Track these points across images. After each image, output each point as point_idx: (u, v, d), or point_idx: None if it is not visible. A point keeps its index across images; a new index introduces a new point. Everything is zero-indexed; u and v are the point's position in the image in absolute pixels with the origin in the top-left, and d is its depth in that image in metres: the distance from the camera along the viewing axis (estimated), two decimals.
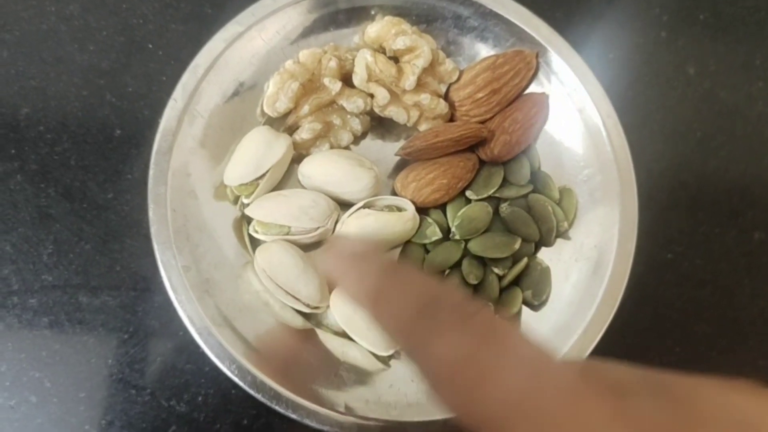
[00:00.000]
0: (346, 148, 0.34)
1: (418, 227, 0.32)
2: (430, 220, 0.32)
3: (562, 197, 0.33)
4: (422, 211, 0.32)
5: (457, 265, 0.32)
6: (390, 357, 0.30)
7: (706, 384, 0.15)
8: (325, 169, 0.31)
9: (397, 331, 0.19)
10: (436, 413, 0.27)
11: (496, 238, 0.32)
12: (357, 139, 0.34)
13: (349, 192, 0.31)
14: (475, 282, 0.31)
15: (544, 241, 0.33)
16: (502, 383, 0.16)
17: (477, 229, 0.32)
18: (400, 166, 0.34)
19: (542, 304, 0.32)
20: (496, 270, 0.32)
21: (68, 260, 0.31)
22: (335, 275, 0.22)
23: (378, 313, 0.20)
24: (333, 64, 0.32)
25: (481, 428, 0.16)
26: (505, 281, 0.32)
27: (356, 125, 0.33)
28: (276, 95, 0.32)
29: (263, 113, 0.32)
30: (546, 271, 0.32)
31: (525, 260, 0.32)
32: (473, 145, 0.33)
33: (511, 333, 0.17)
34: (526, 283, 0.32)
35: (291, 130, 0.33)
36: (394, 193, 0.33)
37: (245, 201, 0.31)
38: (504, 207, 0.32)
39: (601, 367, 0.16)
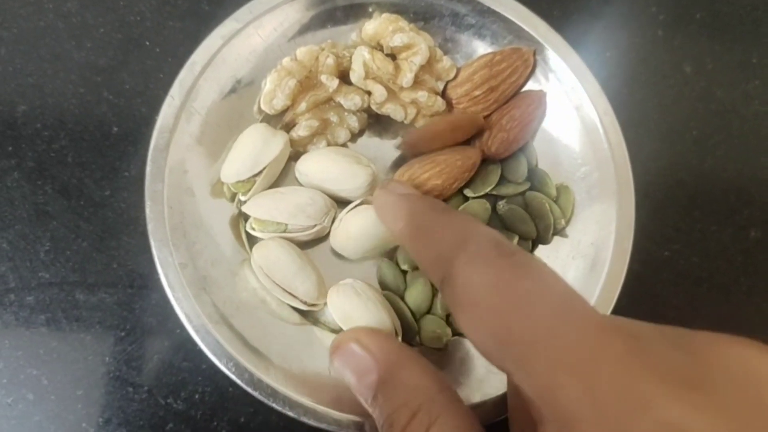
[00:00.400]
0: (344, 145, 0.34)
1: None
2: None
3: (559, 195, 0.33)
4: None
5: None
6: None
7: (722, 339, 0.16)
8: (323, 167, 0.31)
9: (433, 262, 0.19)
10: None
11: None
12: (354, 136, 0.34)
13: (346, 189, 0.31)
14: None
15: (541, 239, 0.33)
16: (532, 313, 0.16)
17: None
18: (398, 164, 0.34)
19: None
20: None
21: (65, 257, 0.31)
22: (383, 212, 0.23)
23: (418, 245, 0.20)
24: (330, 61, 0.32)
25: (503, 358, 0.16)
26: None
27: (353, 123, 0.33)
28: (273, 92, 0.32)
29: (260, 110, 0.32)
30: None
31: None
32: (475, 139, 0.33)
33: (545, 270, 0.18)
34: None
35: (288, 127, 0.33)
36: None
37: (242, 198, 0.31)
38: (501, 205, 0.32)
39: (622, 319, 0.17)
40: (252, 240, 0.31)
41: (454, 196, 0.33)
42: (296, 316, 0.30)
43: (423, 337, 0.31)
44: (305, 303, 0.29)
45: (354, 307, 0.29)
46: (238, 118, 0.32)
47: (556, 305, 0.16)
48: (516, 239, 0.32)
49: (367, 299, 0.29)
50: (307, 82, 0.32)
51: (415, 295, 0.31)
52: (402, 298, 0.31)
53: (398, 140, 0.34)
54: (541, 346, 0.15)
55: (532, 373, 0.15)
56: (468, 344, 0.31)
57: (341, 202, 0.32)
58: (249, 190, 0.30)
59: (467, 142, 0.34)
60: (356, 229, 0.30)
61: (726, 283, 0.36)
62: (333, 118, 0.33)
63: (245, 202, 0.31)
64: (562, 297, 0.17)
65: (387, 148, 0.34)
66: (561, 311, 0.16)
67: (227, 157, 0.31)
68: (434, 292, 0.31)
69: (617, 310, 0.30)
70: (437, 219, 0.20)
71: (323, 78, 0.32)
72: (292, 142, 0.32)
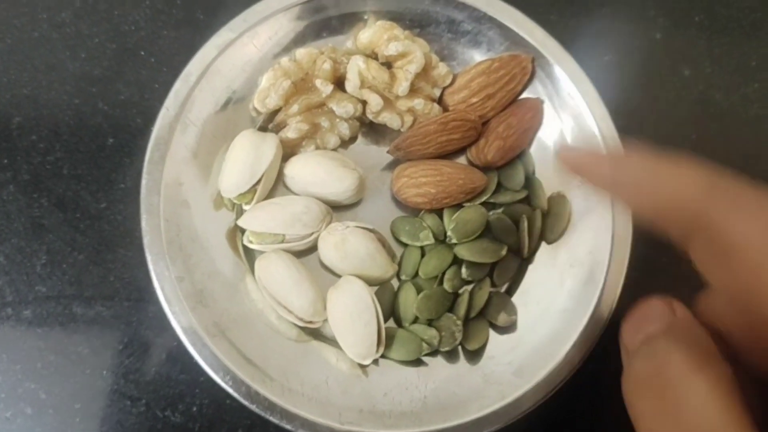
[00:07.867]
0: (335, 150, 0.33)
1: (414, 229, 0.32)
2: (425, 224, 0.32)
3: (555, 203, 0.33)
4: (417, 213, 0.33)
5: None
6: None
7: None
8: (309, 170, 0.31)
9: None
10: (431, 423, 0.27)
11: (484, 243, 0.32)
12: (345, 143, 0.34)
13: (333, 193, 0.31)
14: (451, 291, 0.31)
15: (520, 252, 0.32)
16: None
17: (473, 232, 0.31)
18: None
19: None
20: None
21: (62, 270, 0.31)
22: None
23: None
24: (327, 66, 0.32)
25: None
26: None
27: (344, 130, 0.33)
28: (267, 91, 0.31)
29: (255, 108, 0.32)
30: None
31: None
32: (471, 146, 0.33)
33: None
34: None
35: (278, 127, 0.32)
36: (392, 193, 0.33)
37: (245, 208, 0.31)
38: (491, 213, 0.32)
39: None
40: (249, 252, 0.31)
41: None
42: (294, 332, 0.30)
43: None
44: (300, 319, 0.29)
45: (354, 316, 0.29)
46: (233, 130, 0.32)
47: None
48: (505, 248, 0.31)
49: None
50: (302, 85, 0.32)
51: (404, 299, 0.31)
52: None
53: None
54: None
55: None
56: (461, 354, 0.31)
57: (333, 207, 0.32)
58: (251, 199, 0.30)
59: (463, 148, 0.34)
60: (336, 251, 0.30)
61: None
62: (324, 123, 0.33)
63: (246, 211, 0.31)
64: None
65: (383, 156, 0.34)
66: None
67: (223, 171, 0.31)
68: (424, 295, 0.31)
69: (616, 318, 0.30)
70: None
71: (318, 83, 0.32)
72: (281, 143, 0.32)
